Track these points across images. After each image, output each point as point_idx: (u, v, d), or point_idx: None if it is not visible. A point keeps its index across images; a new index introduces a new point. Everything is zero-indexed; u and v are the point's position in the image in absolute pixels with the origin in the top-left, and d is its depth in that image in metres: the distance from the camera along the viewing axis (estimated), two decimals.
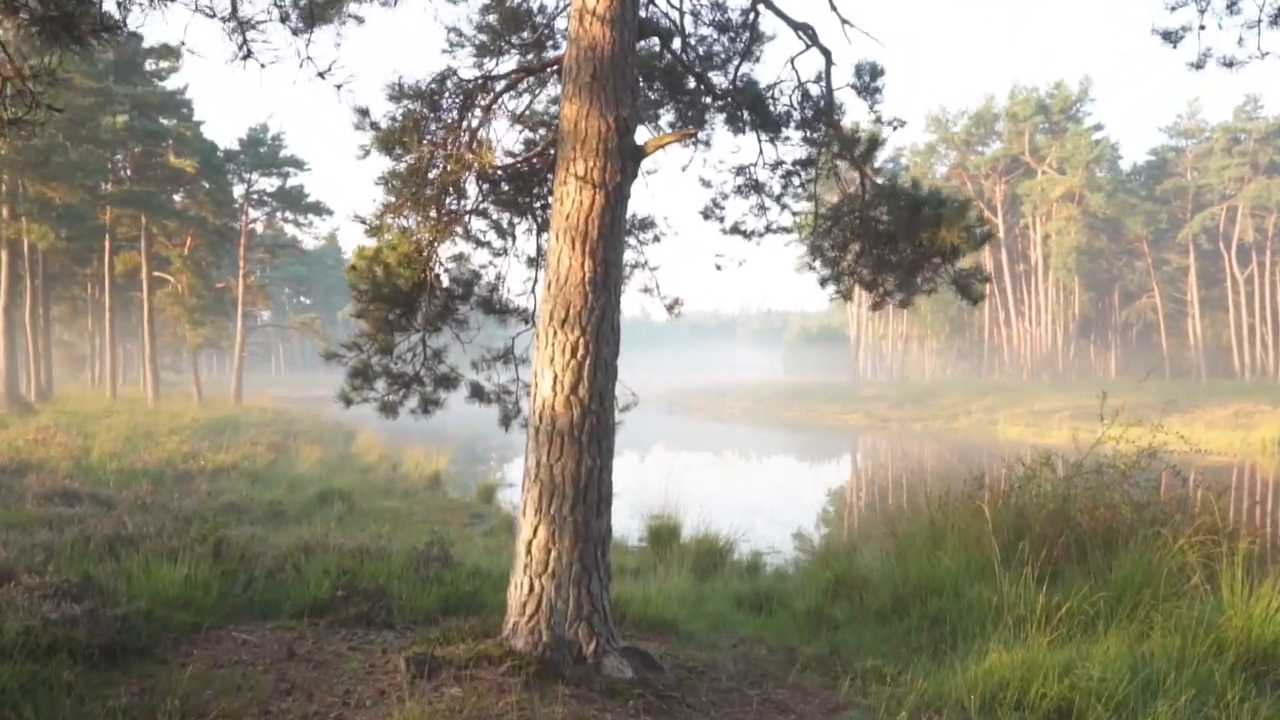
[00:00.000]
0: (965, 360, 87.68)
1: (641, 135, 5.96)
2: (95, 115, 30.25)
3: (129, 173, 39.14)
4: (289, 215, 44.16)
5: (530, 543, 5.23)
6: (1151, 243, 71.77)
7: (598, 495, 5.24)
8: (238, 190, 43.20)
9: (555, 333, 5.25)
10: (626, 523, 14.39)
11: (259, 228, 49.15)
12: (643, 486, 15.11)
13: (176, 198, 40.58)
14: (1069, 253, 69.42)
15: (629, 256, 7.83)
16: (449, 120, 6.17)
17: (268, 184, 44.20)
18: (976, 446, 39.69)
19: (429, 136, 6.11)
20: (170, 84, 38.97)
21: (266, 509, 13.56)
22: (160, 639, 5.50)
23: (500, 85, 6.37)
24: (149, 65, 37.81)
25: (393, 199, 6.34)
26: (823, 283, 8.06)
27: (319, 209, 45.36)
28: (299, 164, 44.09)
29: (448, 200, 6.72)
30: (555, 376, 5.22)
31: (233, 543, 7.97)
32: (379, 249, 6.37)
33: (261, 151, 42.68)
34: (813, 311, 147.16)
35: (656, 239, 7.92)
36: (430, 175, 6.31)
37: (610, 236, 5.31)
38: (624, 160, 5.37)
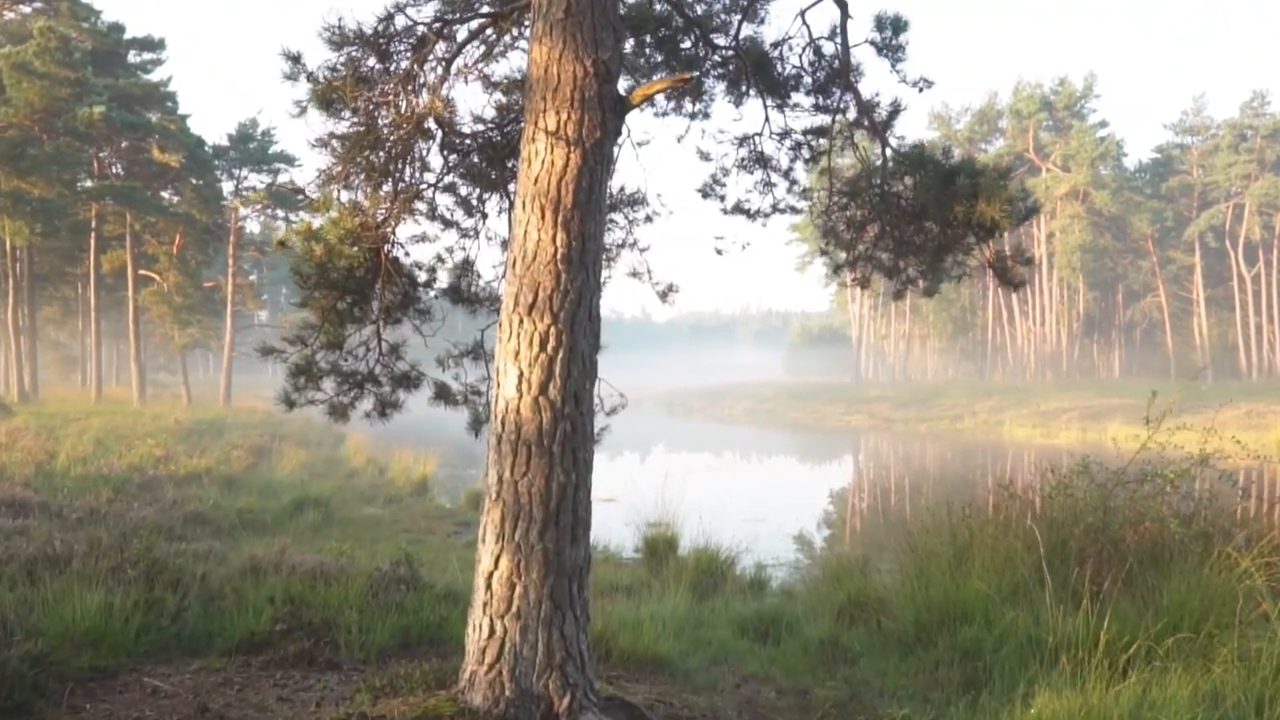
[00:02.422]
0: (968, 360, 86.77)
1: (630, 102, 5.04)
2: (72, 107, 29.26)
3: (118, 168, 38.22)
4: (279, 213, 43.12)
5: (491, 576, 4.31)
6: (1156, 241, 70.85)
7: (572, 518, 4.32)
8: (227, 187, 42.23)
9: (521, 321, 4.33)
10: (621, 532, 13.50)
11: (255, 226, 48.22)
12: (640, 492, 14.21)
13: (165, 194, 39.63)
14: (1074, 251, 68.51)
15: (615, 235, 6.92)
16: (400, 71, 5.25)
17: (258, 180, 43.21)
18: (985, 448, 38.80)
19: (376, 91, 5.19)
20: (155, 76, 38.02)
21: (235, 519, 12.65)
22: (47, 690, 4.57)
23: (463, 34, 5.46)
24: (133, 57, 36.83)
25: (335, 165, 5.43)
26: (836, 269, 7.15)
27: (314, 205, 44.04)
28: (290, 160, 43.10)
29: (407, 171, 5.81)
30: (521, 374, 4.30)
31: (169, 564, 7.03)
32: (320, 223, 5.46)
33: (251, 147, 41.69)
34: (814, 311, 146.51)
35: (649, 219, 7.00)
36: (383, 138, 5.40)
37: (588, 204, 4.39)
38: (604, 112, 4.45)
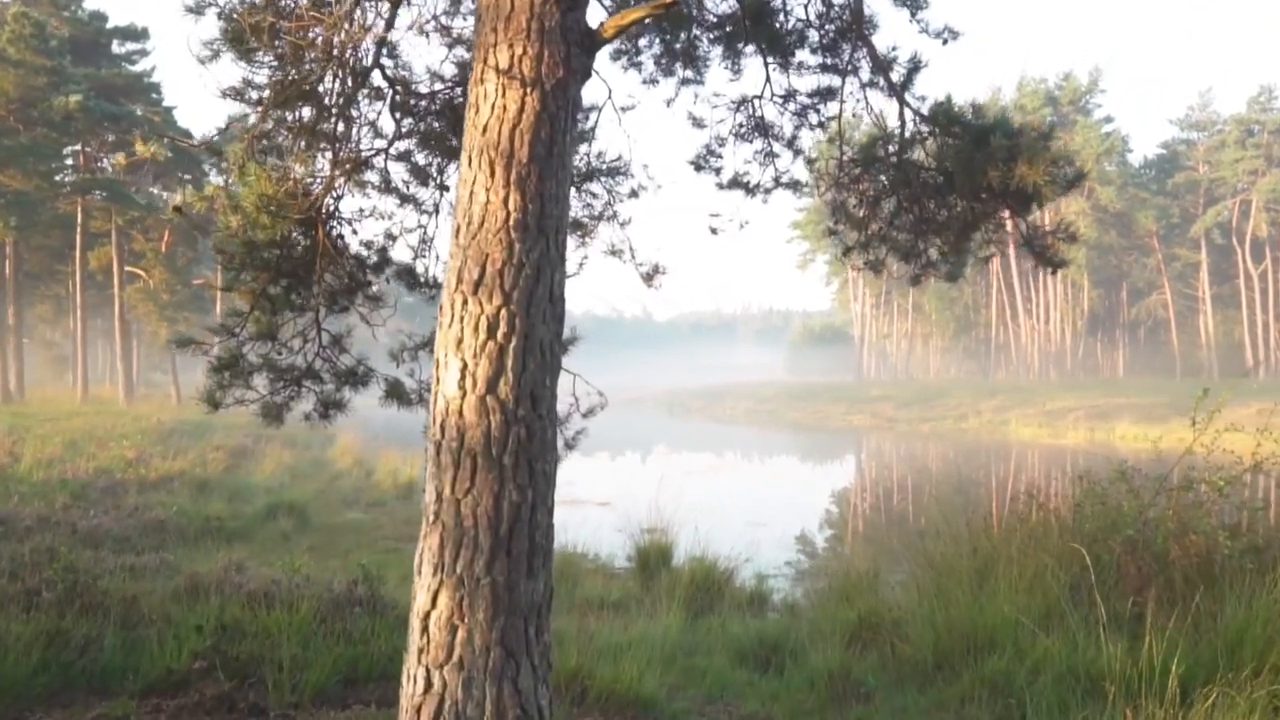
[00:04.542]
0: (971, 359, 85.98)
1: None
2: (48, 96, 28.41)
3: (105, 162, 37.36)
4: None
5: (427, 616, 3.49)
6: (1162, 238, 70.00)
7: (528, 544, 3.50)
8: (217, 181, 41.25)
9: (465, 302, 3.52)
10: (613, 539, 12.69)
11: None
12: (637, 495, 13.41)
13: (154, 190, 38.76)
14: (1078, 248, 67.66)
15: (592, 204, 6.08)
16: (335, 9, 4.42)
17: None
18: (992, 448, 37.98)
19: (305, 32, 4.36)
20: (139, 67, 37.13)
21: (200, 526, 11.84)
22: None
23: None
24: (116, 47, 35.95)
25: (255, 120, 4.60)
26: (846, 251, 6.33)
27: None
28: None
29: (352, 134, 5.00)
30: (464, 367, 3.49)
31: (93, 585, 6.22)
32: (236, 189, 4.62)
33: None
34: (815, 310, 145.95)
35: (634, 194, 6.17)
36: (315, 91, 4.59)
37: (548, 159, 3.58)
38: (569, 47, 3.64)
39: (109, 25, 35.23)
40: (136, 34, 35.66)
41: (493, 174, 3.54)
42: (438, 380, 3.58)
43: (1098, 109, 71.55)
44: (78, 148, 34.68)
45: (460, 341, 3.49)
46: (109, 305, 45.87)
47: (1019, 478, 27.16)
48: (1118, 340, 77.53)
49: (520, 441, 3.47)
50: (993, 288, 76.59)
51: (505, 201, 3.52)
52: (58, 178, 33.91)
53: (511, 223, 3.51)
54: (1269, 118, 65.38)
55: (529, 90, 3.56)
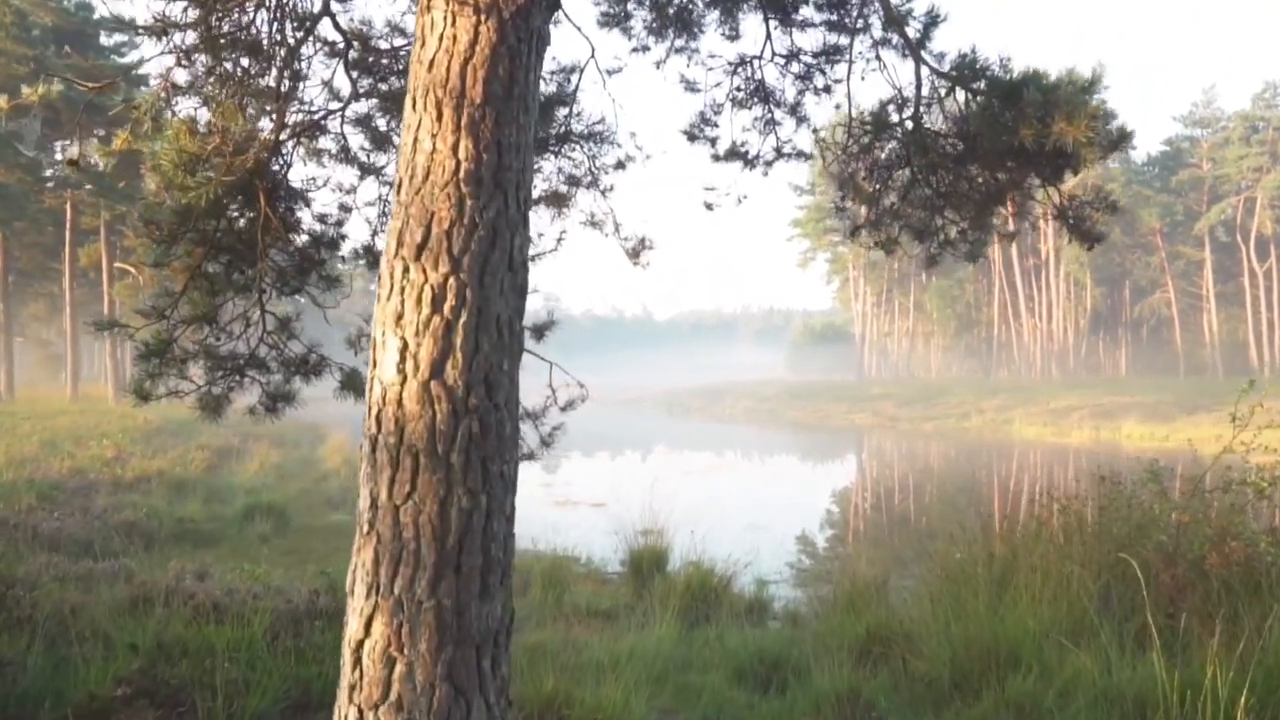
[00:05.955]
0: (973, 358, 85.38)
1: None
2: (29, 86, 27.82)
3: (95, 157, 36.76)
4: None
5: (360, 646, 2.92)
6: (1165, 236, 69.38)
7: (481, 559, 2.93)
8: None
9: (405, 269, 2.94)
10: (606, 542, 12.13)
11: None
12: (634, 496, 12.86)
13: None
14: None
15: (565, 167, 5.49)
16: None
17: None
18: (997, 448, 37.40)
19: None
20: (129, 59, 36.63)
21: (173, 530, 11.29)
22: None
23: None
24: (105, 39, 35.39)
25: (176, 65, 4.03)
26: (854, 231, 5.75)
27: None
28: None
29: (299, 88, 4.43)
30: (404, 347, 2.91)
31: (23, 598, 5.65)
32: (151, 142, 4.04)
33: None
34: (816, 309, 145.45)
35: (620, 164, 5.59)
36: (256, 38, 4.03)
37: (507, 100, 3.00)
38: None
39: (96, 16, 34.66)
40: (125, 25, 34.91)
41: (440, 117, 2.96)
42: (374, 363, 3.00)
43: (1101, 106, 70.83)
44: (67, 136, 34.05)
45: (400, 317, 2.92)
46: (100, 302, 45.28)
47: (1028, 478, 26.62)
48: (1120, 339, 76.93)
49: (472, 437, 2.90)
50: (994, 285, 76.01)
51: (455, 150, 2.94)
52: (46, 172, 33.36)
53: (462, 174, 2.93)
54: (1273, 114, 64.78)
55: (484, 18, 2.98)
